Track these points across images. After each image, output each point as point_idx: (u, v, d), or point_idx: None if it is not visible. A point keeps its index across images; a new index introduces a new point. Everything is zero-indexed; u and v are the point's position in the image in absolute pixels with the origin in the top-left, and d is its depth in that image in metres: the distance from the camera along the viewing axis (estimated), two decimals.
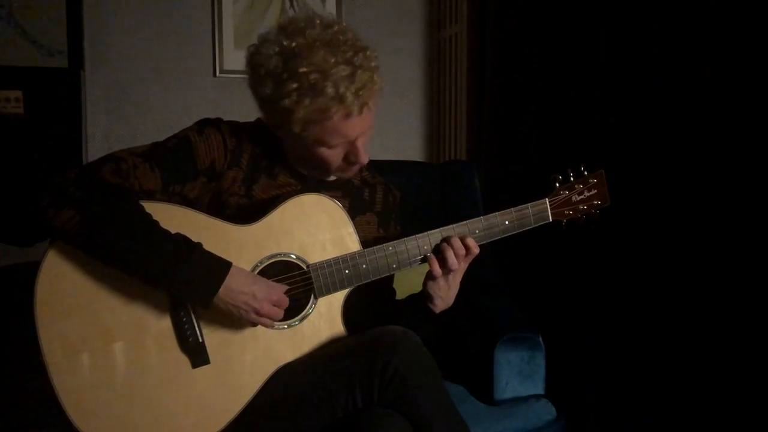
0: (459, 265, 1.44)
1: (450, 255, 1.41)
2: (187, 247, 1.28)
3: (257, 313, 1.31)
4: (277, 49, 1.33)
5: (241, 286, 1.30)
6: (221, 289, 1.28)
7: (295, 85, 1.30)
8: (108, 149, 1.39)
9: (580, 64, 2.27)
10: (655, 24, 1.98)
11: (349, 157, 1.41)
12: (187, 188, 1.39)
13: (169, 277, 1.26)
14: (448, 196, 2.22)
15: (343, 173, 1.47)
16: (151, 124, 2.89)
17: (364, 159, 1.40)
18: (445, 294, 1.48)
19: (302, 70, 1.29)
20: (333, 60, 1.30)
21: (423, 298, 1.49)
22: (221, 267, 1.29)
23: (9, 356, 1.73)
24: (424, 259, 1.44)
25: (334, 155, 1.40)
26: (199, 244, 1.29)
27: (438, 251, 1.43)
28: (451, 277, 1.45)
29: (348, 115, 1.33)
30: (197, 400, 1.34)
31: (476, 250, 1.44)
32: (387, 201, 1.62)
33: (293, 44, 1.32)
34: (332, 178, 1.53)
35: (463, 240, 1.43)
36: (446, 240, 1.43)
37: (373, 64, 1.35)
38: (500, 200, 1.51)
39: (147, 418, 1.32)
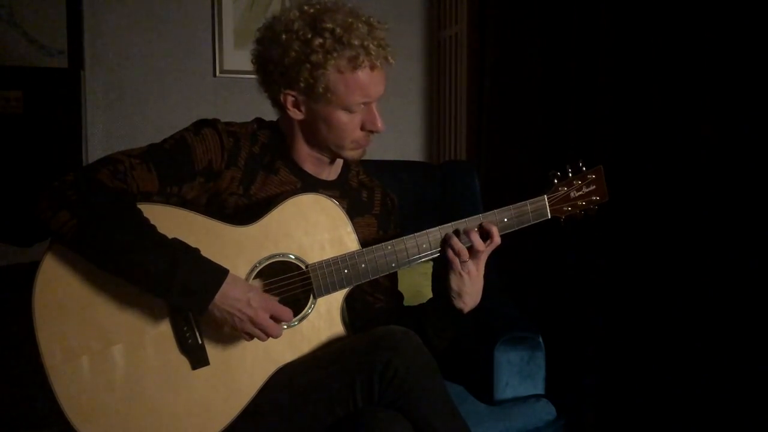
0: (479, 257, 1.42)
1: (456, 242, 1.40)
2: (183, 253, 1.27)
3: (252, 321, 1.30)
4: (298, 14, 1.40)
5: (237, 294, 1.29)
6: (217, 296, 1.27)
7: (321, 41, 1.36)
8: (108, 149, 1.39)
9: (579, 64, 2.27)
10: (654, 23, 1.98)
11: (366, 125, 1.43)
12: (184, 189, 1.38)
13: (165, 284, 1.25)
14: (448, 196, 2.22)
15: (357, 147, 1.46)
16: (151, 124, 2.89)
17: (381, 125, 1.43)
18: (470, 289, 1.44)
19: (327, 26, 1.36)
20: (351, 19, 1.38)
21: (448, 297, 1.46)
22: (218, 274, 1.28)
23: (9, 357, 1.73)
24: (432, 257, 1.44)
25: (352, 123, 1.42)
26: (197, 250, 1.29)
27: (447, 241, 1.42)
28: (473, 268, 1.43)
29: (373, 67, 1.39)
30: (197, 402, 1.34)
31: (497, 240, 1.42)
32: (385, 204, 1.62)
33: (312, 10, 1.40)
34: (331, 177, 1.54)
35: (486, 228, 1.42)
36: (464, 232, 1.42)
37: (386, 26, 1.42)
38: (500, 200, 1.50)
39: (147, 420, 1.32)
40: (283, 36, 1.38)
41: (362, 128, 1.43)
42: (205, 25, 2.97)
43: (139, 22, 2.90)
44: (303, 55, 1.36)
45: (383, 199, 1.62)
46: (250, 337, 1.32)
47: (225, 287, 1.28)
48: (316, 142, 1.47)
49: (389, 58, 1.41)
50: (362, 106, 1.41)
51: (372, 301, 1.58)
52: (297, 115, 1.44)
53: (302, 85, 1.38)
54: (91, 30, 2.84)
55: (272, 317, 1.32)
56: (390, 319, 1.54)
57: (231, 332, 1.33)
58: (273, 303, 1.33)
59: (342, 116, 1.41)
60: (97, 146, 2.83)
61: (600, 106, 2.18)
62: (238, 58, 2.94)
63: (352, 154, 1.47)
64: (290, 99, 1.42)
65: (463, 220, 1.46)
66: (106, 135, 2.88)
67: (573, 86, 2.30)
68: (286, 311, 1.34)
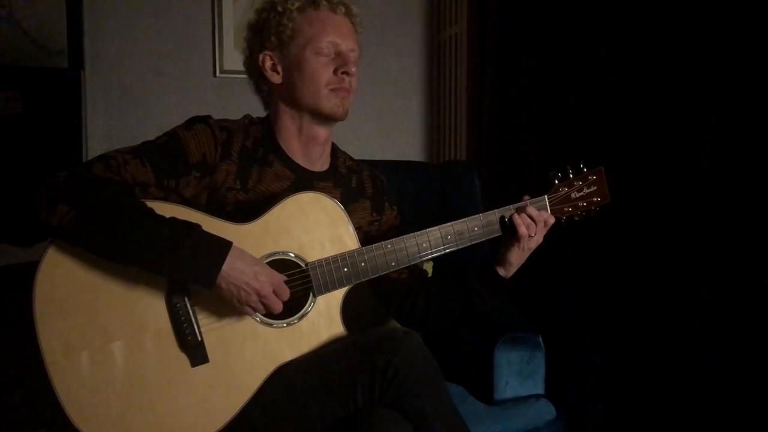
0: (536, 236, 1.49)
1: (532, 213, 1.48)
2: (186, 228, 1.28)
3: (258, 294, 1.31)
4: None
5: (244, 266, 1.30)
6: (224, 267, 1.28)
7: None
8: (108, 149, 1.39)
9: (579, 64, 2.27)
10: (655, 23, 1.98)
11: (338, 68, 1.46)
12: (181, 184, 1.39)
13: (171, 259, 1.25)
14: (448, 196, 2.21)
15: (334, 96, 1.47)
16: (151, 124, 2.88)
17: (352, 66, 1.47)
18: (518, 261, 1.53)
19: None
20: None
21: (496, 269, 1.54)
22: (223, 245, 1.29)
23: (9, 356, 1.73)
24: (503, 228, 1.50)
25: (323, 66, 1.46)
26: (198, 225, 1.29)
27: (512, 221, 1.48)
28: (534, 243, 1.50)
29: (333, 10, 1.48)
30: (197, 399, 1.34)
31: (551, 220, 1.50)
32: (376, 185, 1.65)
33: None
34: (322, 168, 1.55)
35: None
36: (521, 210, 1.48)
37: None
38: (500, 200, 1.51)
39: (147, 417, 1.32)
40: (259, 7, 1.51)
41: (334, 72, 1.47)
42: (205, 25, 2.97)
43: (139, 22, 2.90)
44: (269, 11, 1.48)
45: (373, 180, 1.65)
46: (252, 311, 1.34)
47: (231, 259, 1.29)
48: (296, 103, 1.49)
49: (351, 9, 1.51)
50: (331, 49, 1.46)
51: (397, 277, 1.60)
52: (275, 77, 1.49)
53: (273, 38, 1.47)
54: (91, 30, 2.84)
55: (274, 292, 1.34)
56: (429, 290, 1.60)
57: (230, 315, 1.34)
58: (278, 277, 1.35)
59: (312, 59, 1.46)
60: (97, 146, 2.83)
61: (601, 105, 2.17)
62: (238, 58, 2.91)
63: (329, 104, 1.47)
64: (268, 61, 1.49)
65: (464, 219, 1.47)
66: (106, 135, 2.88)
67: (573, 86, 2.30)
68: (286, 289, 1.35)
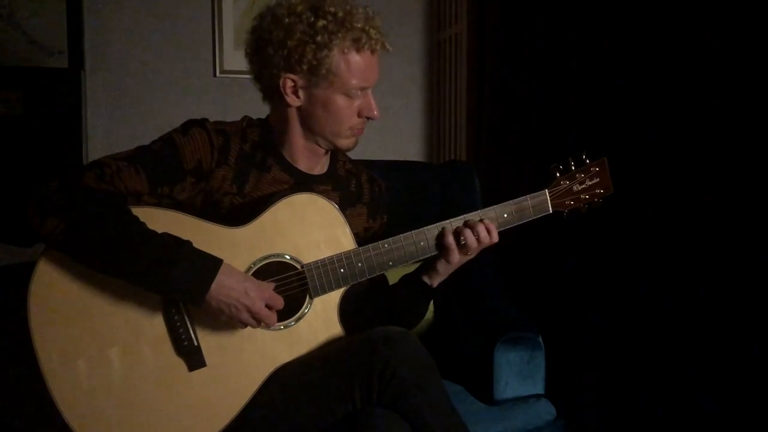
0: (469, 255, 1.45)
1: (469, 236, 1.42)
2: (176, 246, 1.27)
3: (249, 310, 1.31)
4: None
5: (233, 283, 1.29)
6: (213, 286, 1.27)
7: (324, 22, 1.38)
8: (108, 149, 1.39)
9: (579, 64, 2.27)
10: (654, 20, 1.98)
11: (363, 111, 1.44)
12: (176, 190, 1.38)
13: (160, 278, 1.25)
14: (448, 196, 2.21)
15: (353, 135, 1.47)
16: (151, 124, 2.88)
17: (378, 112, 1.45)
18: (445, 272, 1.50)
19: (330, 9, 1.39)
20: (350, 6, 1.41)
21: (421, 275, 1.52)
22: (212, 264, 1.29)
23: (8, 357, 1.73)
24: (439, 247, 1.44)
25: (350, 109, 1.43)
26: (189, 242, 1.29)
27: (458, 234, 1.43)
28: (465, 258, 1.46)
29: (373, 51, 1.42)
30: (195, 404, 1.34)
31: (495, 239, 1.44)
32: (373, 191, 1.63)
33: None
34: (322, 171, 1.54)
35: (488, 227, 1.43)
36: (469, 224, 1.43)
37: (380, 18, 1.46)
38: (500, 200, 1.50)
39: (145, 422, 1.32)
40: (287, 19, 1.40)
41: (359, 115, 1.45)
42: (205, 25, 2.97)
43: (139, 22, 2.90)
44: (308, 36, 1.38)
45: (371, 186, 1.63)
46: (245, 325, 1.33)
47: (220, 277, 1.28)
48: (312, 130, 1.47)
49: (386, 45, 1.44)
50: (360, 92, 1.42)
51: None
52: (295, 101, 1.44)
53: (305, 67, 1.39)
54: (91, 30, 2.84)
55: (266, 305, 1.33)
56: (376, 304, 1.56)
57: (226, 321, 1.33)
58: (269, 292, 1.34)
59: (341, 101, 1.42)
60: (97, 146, 2.83)
61: (601, 105, 2.17)
62: (238, 58, 2.92)
63: (346, 142, 1.48)
64: (290, 84, 1.42)
65: (460, 217, 1.46)
66: (106, 135, 2.88)
67: (573, 85, 2.30)
68: (278, 299, 1.35)
